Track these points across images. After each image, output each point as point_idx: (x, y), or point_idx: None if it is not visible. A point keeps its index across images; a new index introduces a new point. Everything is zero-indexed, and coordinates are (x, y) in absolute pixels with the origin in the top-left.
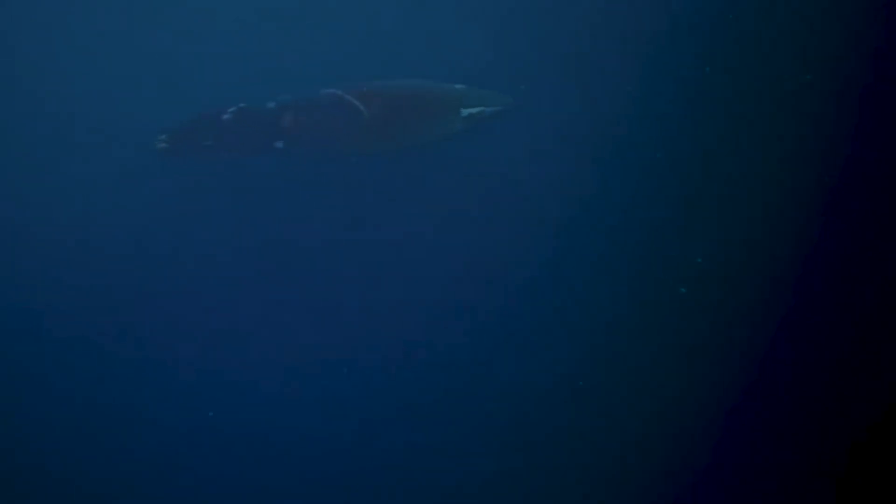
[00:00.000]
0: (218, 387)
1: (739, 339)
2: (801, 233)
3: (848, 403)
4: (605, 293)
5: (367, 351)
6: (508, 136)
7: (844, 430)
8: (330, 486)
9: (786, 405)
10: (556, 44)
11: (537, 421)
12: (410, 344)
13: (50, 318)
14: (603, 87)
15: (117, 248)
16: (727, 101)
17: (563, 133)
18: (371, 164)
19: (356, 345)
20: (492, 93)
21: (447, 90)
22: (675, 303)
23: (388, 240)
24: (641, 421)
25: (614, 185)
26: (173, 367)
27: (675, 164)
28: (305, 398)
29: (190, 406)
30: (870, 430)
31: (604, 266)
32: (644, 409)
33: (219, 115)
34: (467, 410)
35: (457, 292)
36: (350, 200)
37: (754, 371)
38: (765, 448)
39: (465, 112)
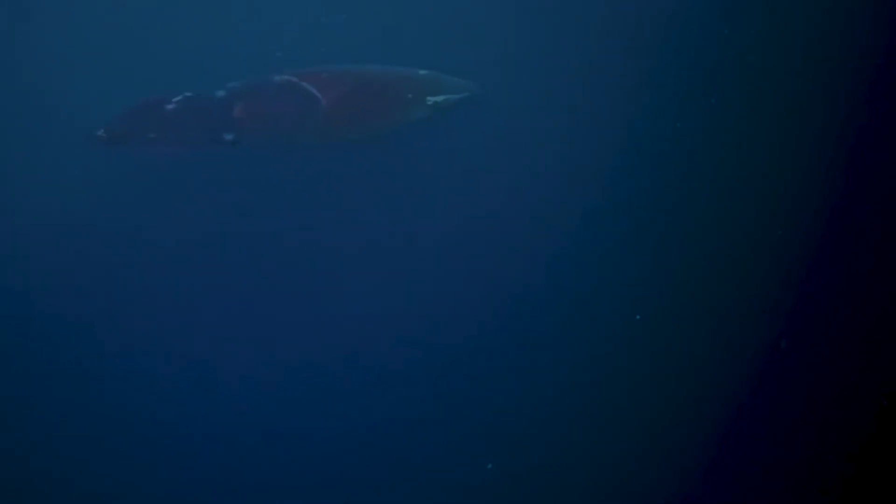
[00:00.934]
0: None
1: (744, 340)
2: (802, 233)
3: (852, 404)
4: (589, 290)
5: (350, 349)
6: (473, 125)
7: (847, 429)
8: (327, 485)
9: (791, 407)
10: (528, 31)
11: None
12: (399, 343)
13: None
14: (579, 76)
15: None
16: (710, 89)
17: (535, 123)
18: (327, 157)
19: (333, 342)
20: (457, 79)
21: (411, 76)
22: (665, 304)
23: (353, 237)
24: (646, 422)
25: (590, 177)
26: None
27: (656, 154)
28: (292, 397)
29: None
30: (872, 430)
31: (591, 262)
32: (647, 411)
33: (162, 104)
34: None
35: (430, 289)
36: (304, 195)
37: (760, 372)
38: (771, 450)
39: (431, 100)
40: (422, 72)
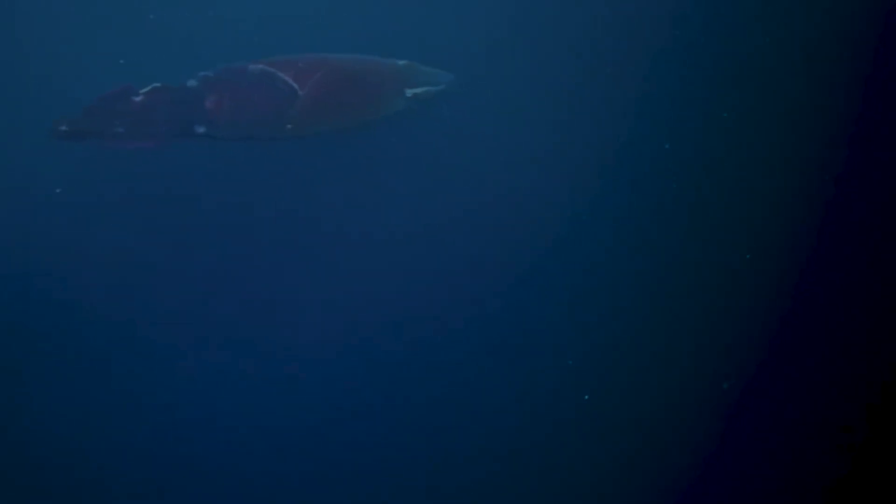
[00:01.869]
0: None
1: (742, 340)
2: (798, 233)
3: (849, 403)
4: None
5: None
6: (454, 119)
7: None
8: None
9: (789, 407)
10: (508, 22)
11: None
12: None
13: None
14: (563, 69)
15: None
16: (700, 82)
17: (516, 117)
18: (303, 150)
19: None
20: (435, 71)
21: (390, 67)
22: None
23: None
24: (643, 422)
25: (574, 170)
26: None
27: (645, 148)
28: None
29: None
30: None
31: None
32: (644, 411)
33: (129, 96)
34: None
35: (414, 287)
36: (280, 190)
37: (758, 372)
38: (766, 450)
39: (410, 92)
40: (400, 62)
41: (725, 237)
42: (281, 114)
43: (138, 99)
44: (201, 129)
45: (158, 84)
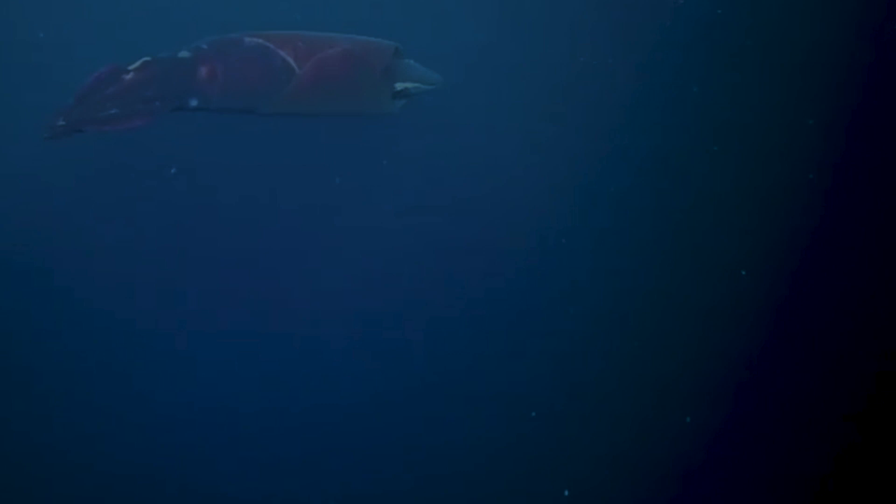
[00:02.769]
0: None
1: (739, 339)
2: (799, 233)
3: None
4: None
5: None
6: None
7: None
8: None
9: (786, 406)
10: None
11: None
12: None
13: None
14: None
15: None
16: (695, 82)
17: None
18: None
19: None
20: (428, 71)
21: (386, 58)
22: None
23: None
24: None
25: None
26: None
27: (639, 149)
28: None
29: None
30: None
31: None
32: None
33: (119, 75)
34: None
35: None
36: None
37: (756, 371)
38: (759, 450)
39: (400, 86)
40: (395, 47)
41: (722, 237)
42: (275, 90)
43: (128, 76)
44: (194, 102)
45: (148, 58)
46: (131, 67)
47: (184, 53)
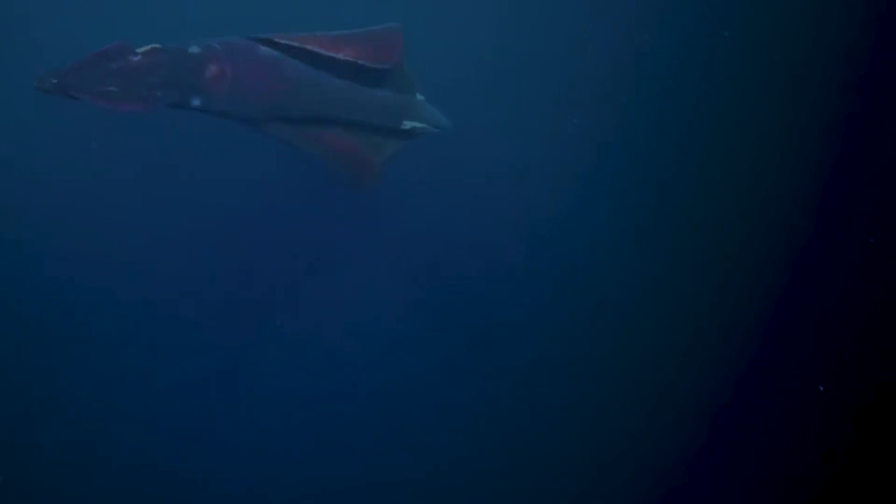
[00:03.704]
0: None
1: (738, 339)
2: (797, 232)
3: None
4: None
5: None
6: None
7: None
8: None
9: (782, 405)
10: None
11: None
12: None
13: None
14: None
15: None
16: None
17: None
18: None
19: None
20: (437, 112)
21: (403, 90)
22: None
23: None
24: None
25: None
26: None
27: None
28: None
29: None
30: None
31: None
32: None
33: (125, 54)
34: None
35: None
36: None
37: (754, 369)
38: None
39: (409, 125)
40: (411, 92)
41: (719, 238)
42: (281, 110)
43: (135, 59)
44: (196, 102)
45: (158, 45)
46: (140, 50)
47: (194, 49)
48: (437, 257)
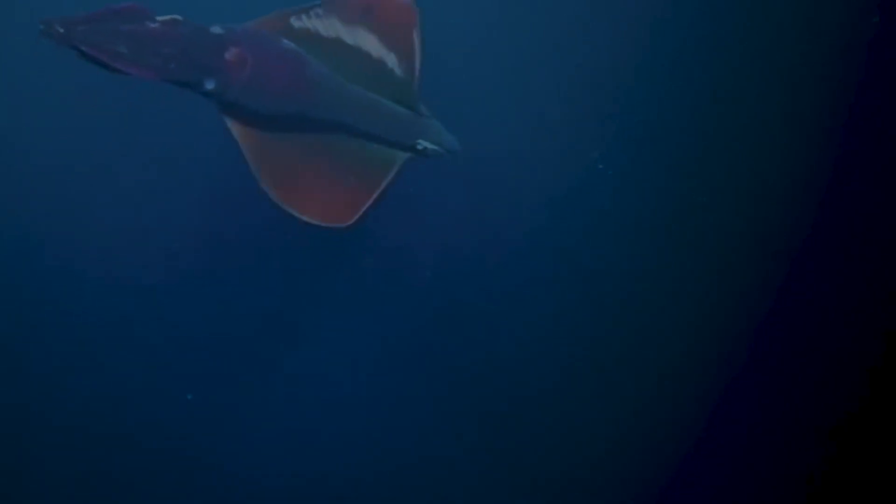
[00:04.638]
0: None
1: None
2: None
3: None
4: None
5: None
6: None
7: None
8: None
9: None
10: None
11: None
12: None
13: None
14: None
15: None
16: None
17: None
18: None
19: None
20: (448, 134)
21: (421, 114)
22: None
23: None
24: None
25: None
26: None
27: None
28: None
29: None
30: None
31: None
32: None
33: (144, 18)
34: None
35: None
36: None
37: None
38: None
39: (421, 145)
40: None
41: (718, 237)
42: (296, 108)
43: (153, 25)
44: (210, 85)
45: (179, 17)
46: (159, 18)
47: (216, 28)
48: (437, 275)
